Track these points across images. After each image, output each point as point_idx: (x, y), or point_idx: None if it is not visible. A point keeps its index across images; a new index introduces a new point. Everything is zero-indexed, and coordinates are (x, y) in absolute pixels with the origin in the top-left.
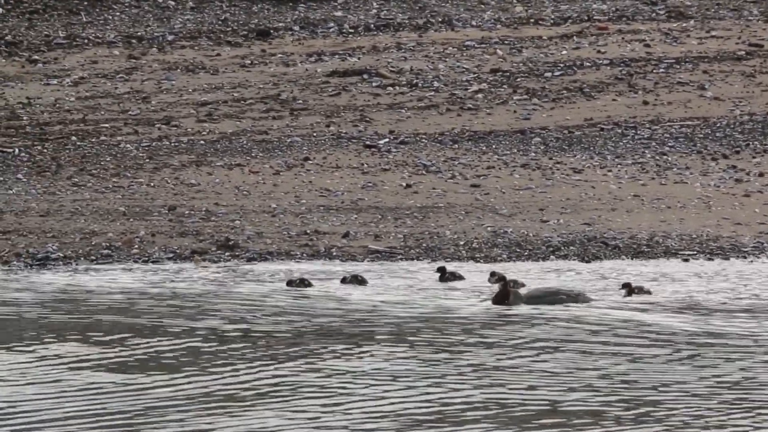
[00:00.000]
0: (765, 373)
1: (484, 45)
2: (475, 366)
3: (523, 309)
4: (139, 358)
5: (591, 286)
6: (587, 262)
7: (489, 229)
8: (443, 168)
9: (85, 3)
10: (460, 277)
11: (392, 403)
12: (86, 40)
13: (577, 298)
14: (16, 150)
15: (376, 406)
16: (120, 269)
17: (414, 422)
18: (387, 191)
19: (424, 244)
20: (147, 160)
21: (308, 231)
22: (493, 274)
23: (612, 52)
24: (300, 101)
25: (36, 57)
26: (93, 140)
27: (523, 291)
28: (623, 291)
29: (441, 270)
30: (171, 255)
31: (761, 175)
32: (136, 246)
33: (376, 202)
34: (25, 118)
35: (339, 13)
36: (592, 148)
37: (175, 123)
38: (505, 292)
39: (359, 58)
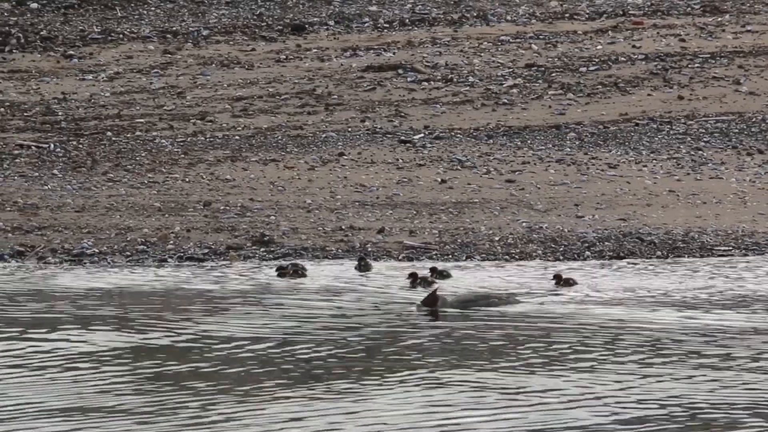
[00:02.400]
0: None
1: (519, 40)
2: None
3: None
4: None
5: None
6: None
7: (524, 224)
8: (478, 163)
9: None
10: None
11: None
12: (121, 35)
13: (507, 300)
14: (52, 145)
15: None
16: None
17: None
18: (422, 187)
19: (459, 240)
20: (182, 156)
21: (343, 227)
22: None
23: (647, 47)
24: (335, 96)
25: (71, 52)
26: (128, 135)
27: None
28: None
29: (412, 276)
30: (206, 250)
31: None
32: (172, 241)
33: (411, 198)
34: (60, 113)
35: (374, 8)
36: (627, 143)
37: (210, 118)
38: (434, 297)
39: (394, 53)
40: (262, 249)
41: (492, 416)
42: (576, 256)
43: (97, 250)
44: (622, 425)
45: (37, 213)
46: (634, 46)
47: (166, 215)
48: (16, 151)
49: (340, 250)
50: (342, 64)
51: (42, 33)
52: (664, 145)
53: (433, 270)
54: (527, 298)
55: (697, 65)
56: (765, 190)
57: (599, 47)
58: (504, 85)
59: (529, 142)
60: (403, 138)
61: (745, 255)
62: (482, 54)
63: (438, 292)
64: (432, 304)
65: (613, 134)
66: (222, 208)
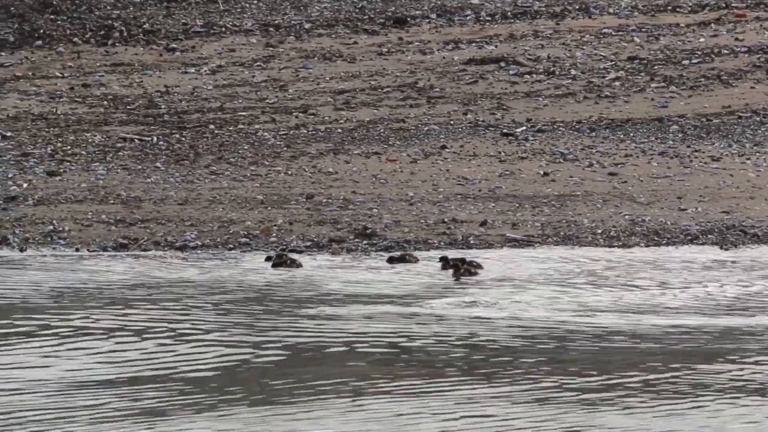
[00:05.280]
0: None
1: (621, 32)
2: None
3: None
4: None
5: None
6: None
7: (627, 217)
8: (580, 156)
9: None
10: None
11: None
12: (224, 29)
13: None
14: (155, 138)
15: None
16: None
17: None
18: (524, 179)
19: (561, 233)
20: (284, 149)
21: (446, 219)
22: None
23: (750, 39)
24: (437, 89)
25: (174, 45)
26: (231, 129)
27: None
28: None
29: (443, 259)
30: (309, 243)
31: None
32: (274, 234)
33: (514, 191)
34: (163, 106)
35: (476, 1)
36: (730, 136)
37: (313, 111)
38: None
39: (496, 46)
40: (364, 241)
41: None
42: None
43: (200, 243)
44: None
45: (140, 206)
46: (737, 39)
47: (269, 208)
48: (119, 144)
49: (442, 243)
50: (444, 57)
51: (145, 26)
52: (767, 138)
53: (462, 261)
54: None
55: None
56: None
57: (702, 40)
58: (606, 78)
59: (631, 134)
60: (505, 131)
61: None
62: (584, 47)
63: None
64: None
65: (716, 127)
66: (324, 200)
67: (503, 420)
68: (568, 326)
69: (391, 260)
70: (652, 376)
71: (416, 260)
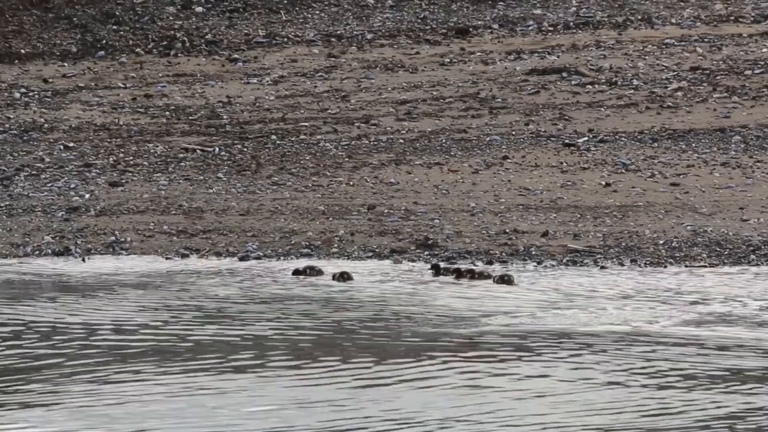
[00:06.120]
0: None
1: (683, 43)
2: None
3: None
4: None
5: None
6: None
7: (689, 228)
8: (642, 167)
9: (285, 2)
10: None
11: None
12: (286, 39)
13: None
14: (217, 149)
15: None
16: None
17: None
18: (586, 190)
19: (623, 243)
20: (346, 159)
21: (507, 230)
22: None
23: None
24: (499, 100)
25: (236, 56)
26: (292, 139)
27: None
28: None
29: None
30: (371, 254)
31: None
32: (336, 245)
33: (575, 201)
34: (225, 117)
35: (538, 11)
36: None
37: (375, 121)
38: None
39: (558, 57)
40: (426, 252)
41: None
42: (740, 259)
43: (261, 254)
44: None
45: (202, 216)
46: None
47: (330, 218)
48: (181, 155)
49: (504, 254)
50: (506, 68)
51: (207, 37)
52: None
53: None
54: None
55: None
56: None
57: (765, 50)
58: (668, 88)
59: (693, 145)
60: (567, 141)
61: None
62: (647, 57)
63: None
64: None
65: None
66: (386, 211)
67: None
68: None
69: (296, 272)
70: None
71: (321, 273)
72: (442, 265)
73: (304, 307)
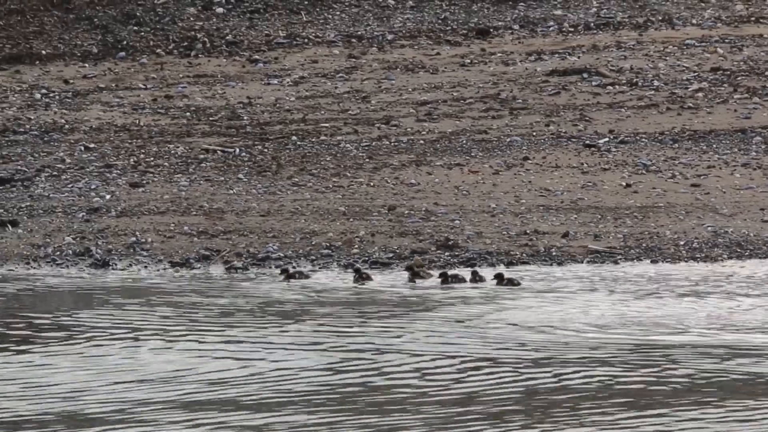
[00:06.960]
0: None
1: (704, 44)
2: None
3: None
4: None
5: None
6: None
7: (709, 229)
8: (663, 167)
9: (306, 2)
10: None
11: None
12: (306, 40)
13: None
14: (237, 150)
15: None
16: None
17: None
18: (606, 191)
19: (643, 244)
20: (367, 160)
21: (528, 231)
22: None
23: None
24: (519, 100)
25: (256, 57)
26: (313, 140)
27: None
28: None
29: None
30: (391, 255)
31: None
32: (356, 246)
33: (596, 202)
34: (245, 117)
35: (559, 12)
36: None
37: (395, 122)
38: None
39: (579, 57)
40: (446, 253)
41: None
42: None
43: (282, 254)
44: None
45: (223, 217)
46: None
47: (351, 219)
48: (201, 156)
49: (524, 254)
50: (526, 68)
51: (227, 37)
52: None
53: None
54: None
55: None
56: None
57: None
58: (689, 89)
59: (714, 146)
60: (587, 142)
61: None
62: (667, 58)
63: None
64: None
65: None
66: (406, 212)
67: None
68: None
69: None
70: None
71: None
72: None
73: None
